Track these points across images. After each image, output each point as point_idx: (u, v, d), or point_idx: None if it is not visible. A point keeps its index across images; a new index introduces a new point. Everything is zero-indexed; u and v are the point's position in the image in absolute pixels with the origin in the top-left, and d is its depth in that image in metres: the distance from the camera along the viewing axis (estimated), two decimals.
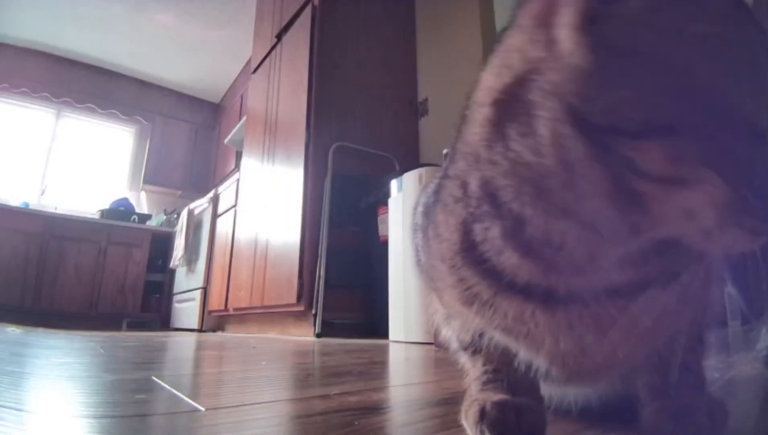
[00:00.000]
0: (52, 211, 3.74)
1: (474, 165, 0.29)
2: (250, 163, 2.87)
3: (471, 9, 2.48)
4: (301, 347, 1.30)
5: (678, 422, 0.31)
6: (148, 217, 4.23)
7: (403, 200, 1.67)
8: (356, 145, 2.34)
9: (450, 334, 0.39)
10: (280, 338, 1.90)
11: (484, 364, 0.36)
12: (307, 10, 2.50)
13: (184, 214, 3.56)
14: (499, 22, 3.17)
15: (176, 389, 0.48)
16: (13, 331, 2.00)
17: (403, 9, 2.94)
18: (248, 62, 3.85)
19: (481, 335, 0.35)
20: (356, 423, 0.34)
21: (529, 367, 0.33)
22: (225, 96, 4.89)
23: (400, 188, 1.71)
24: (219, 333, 2.76)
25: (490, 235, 0.29)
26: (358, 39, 2.61)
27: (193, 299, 3.24)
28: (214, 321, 3.03)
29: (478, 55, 2.37)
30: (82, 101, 4.26)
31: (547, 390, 0.37)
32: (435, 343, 1.25)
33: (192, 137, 4.77)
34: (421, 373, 0.73)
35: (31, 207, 3.68)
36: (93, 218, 3.81)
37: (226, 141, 3.95)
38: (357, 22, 2.64)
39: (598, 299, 0.28)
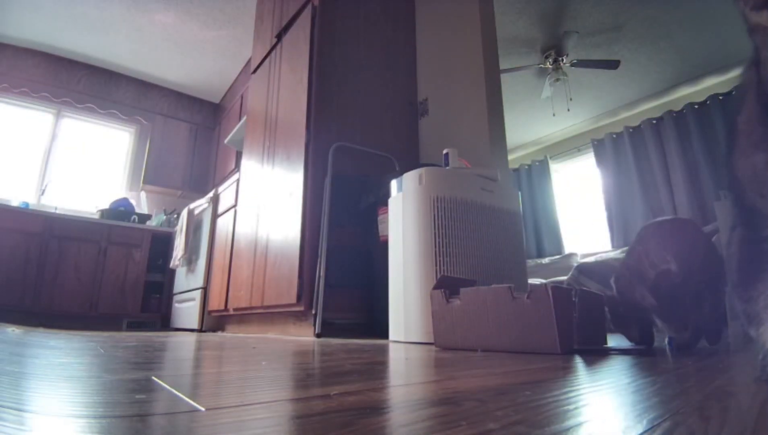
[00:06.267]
0: (52, 211, 3.74)
1: None
2: (250, 163, 2.87)
3: (471, 9, 2.49)
4: (301, 347, 1.30)
5: None
6: (148, 217, 4.24)
7: (403, 200, 1.67)
8: (356, 145, 2.34)
9: None
10: (280, 338, 1.90)
11: None
12: (307, 10, 2.50)
13: (184, 214, 3.56)
14: (499, 22, 3.17)
15: (176, 389, 0.48)
16: (13, 331, 2.00)
17: (403, 9, 2.94)
18: (248, 62, 3.85)
19: None
20: (356, 423, 0.34)
21: None
22: (225, 96, 4.89)
23: (400, 188, 1.71)
24: (219, 333, 2.76)
25: None
26: (358, 39, 2.61)
27: (193, 299, 3.24)
28: (214, 321, 3.03)
29: (478, 55, 2.37)
30: (82, 101, 4.26)
31: None
32: (435, 343, 1.26)
33: (192, 137, 4.77)
34: (421, 373, 0.73)
35: (31, 207, 3.68)
36: (93, 218, 3.81)
37: (226, 141, 3.95)
38: (357, 22, 2.64)
39: None
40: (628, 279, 1.11)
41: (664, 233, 0.98)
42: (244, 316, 2.65)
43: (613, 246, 4.52)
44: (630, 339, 1.26)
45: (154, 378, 0.58)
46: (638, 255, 1.02)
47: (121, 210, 4.03)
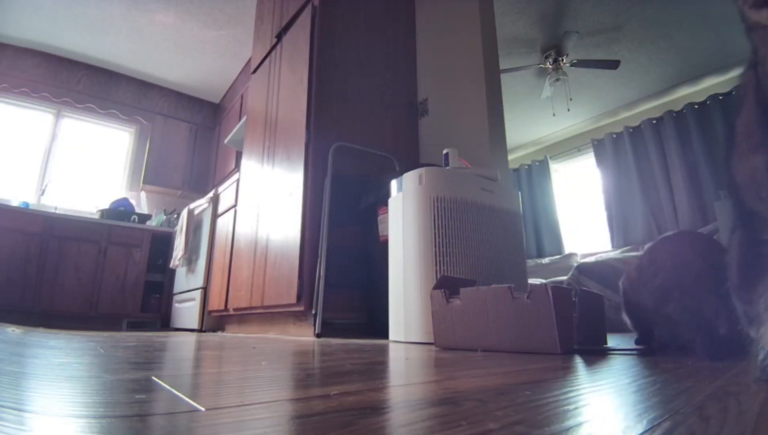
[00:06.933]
0: (52, 211, 3.74)
1: None
2: (250, 163, 2.87)
3: (471, 9, 2.49)
4: (301, 347, 1.30)
5: None
6: (148, 217, 4.24)
7: (403, 200, 1.67)
8: (356, 145, 2.34)
9: None
10: (280, 338, 1.90)
11: None
12: (307, 10, 2.50)
13: (184, 214, 3.56)
14: (499, 22, 3.17)
15: (176, 389, 0.48)
16: (13, 331, 2.00)
17: (403, 9, 2.94)
18: (248, 62, 3.85)
19: None
20: (356, 423, 0.34)
21: None
22: (225, 96, 4.89)
23: (400, 188, 1.71)
24: (219, 333, 2.76)
25: None
26: (358, 39, 2.61)
27: (193, 299, 3.24)
28: (214, 321, 3.03)
29: (478, 55, 2.37)
30: (82, 101, 4.26)
31: None
32: (435, 343, 1.26)
33: (192, 137, 4.77)
34: (421, 373, 0.73)
35: (31, 207, 3.68)
36: (93, 218, 3.81)
37: (226, 141, 3.95)
38: (357, 22, 2.64)
39: None
40: (635, 283, 1.11)
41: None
42: (244, 316, 2.65)
43: (613, 246, 4.52)
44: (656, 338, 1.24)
45: (154, 378, 0.58)
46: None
47: (121, 210, 4.03)
